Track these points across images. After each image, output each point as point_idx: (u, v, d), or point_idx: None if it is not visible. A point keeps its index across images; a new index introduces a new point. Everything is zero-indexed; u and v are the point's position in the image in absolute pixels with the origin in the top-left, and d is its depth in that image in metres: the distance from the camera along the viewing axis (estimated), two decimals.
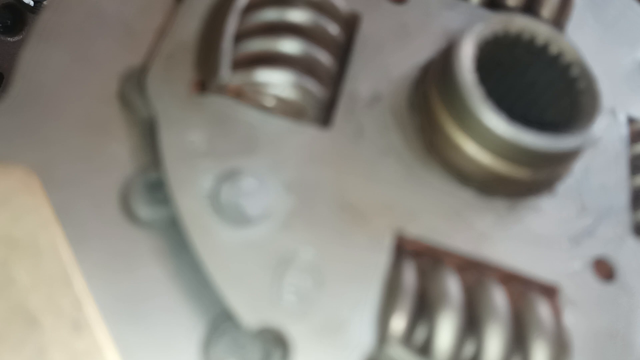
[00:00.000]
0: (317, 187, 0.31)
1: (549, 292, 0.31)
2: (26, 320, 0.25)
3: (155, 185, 0.30)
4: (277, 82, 0.32)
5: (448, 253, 0.31)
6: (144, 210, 0.30)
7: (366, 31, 0.36)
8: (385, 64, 0.35)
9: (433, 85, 0.33)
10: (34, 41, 0.33)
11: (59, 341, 0.25)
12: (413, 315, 0.29)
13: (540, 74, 0.34)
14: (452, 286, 0.29)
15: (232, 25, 0.32)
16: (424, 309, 0.29)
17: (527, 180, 0.32)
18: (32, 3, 0.68)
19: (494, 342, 0.28)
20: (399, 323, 0.28)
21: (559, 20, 0.38)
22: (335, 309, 0.28)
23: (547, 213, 0.33)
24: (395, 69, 0.35)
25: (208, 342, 0.28)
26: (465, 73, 0.31)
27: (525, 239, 0.32)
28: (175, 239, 0.30)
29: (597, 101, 0.32)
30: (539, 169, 0.32)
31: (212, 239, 0.29)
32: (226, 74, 0.32)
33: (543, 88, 0.35)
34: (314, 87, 0.33)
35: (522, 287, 0.31)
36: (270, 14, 0.33)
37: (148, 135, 0.32)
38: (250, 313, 0.28)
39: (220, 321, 0.29)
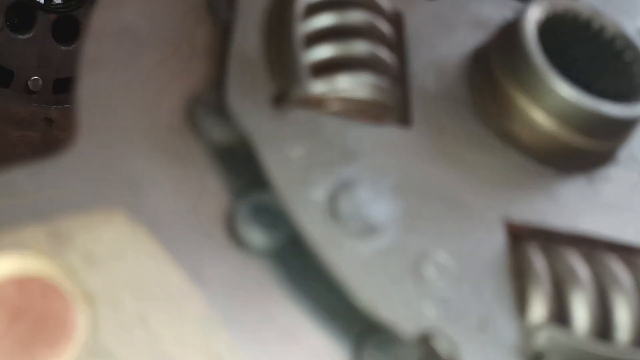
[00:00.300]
0: (422, 186, 0.30)
1: None
2: None
3: (262, 209, 0.28)
4: (358, 85, 0.31)
5: (555, 232, 0.31)
6: (257, 236, 0.28)
7: (411, 28, 0.35)
8: (439, 56, 0.35)
9: (502, 70, 0.33)
10: (84, 77, 0.29)
11: None
12: (552, 298, 0.29)
13: (583, 50, 0.36)
14: (578, 263, 0.30)
15: (299, 33, 0.31)
16: (556, 290, 0.29)
17: (603, 151, 0.34)
18: (42, 0, 0.63)
19: (625, 312, 0.29)
20: (541, 308, 0.28)
21: None
22: (480, 306, 0.28)
23: (618, 181, 0.34)
24: (449, 61, 0.35)
25: None
26: (538, 55, 0.32)
27: (610, 209, 0.33)
28: (291, 262, 0.28)
29: None
30: (613, 139, 0.33)
31: (345, 254, 0.27)
32: (309, 84, 0.30)
33: (585, 64, 0.36)
34: (391, 87, 0.32)
35: (627, 255, 0.32)
36: (330, 18, 0.32)
37: (229, 158, 0.30)
38: (406, 322, 0.26)
39: (363, 340, 0.27)
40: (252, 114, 0.29)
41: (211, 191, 0.29)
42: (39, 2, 0.66)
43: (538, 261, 0.29)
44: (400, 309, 0.27)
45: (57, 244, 0.24)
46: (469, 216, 0.30)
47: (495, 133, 0.33)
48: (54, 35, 0.70)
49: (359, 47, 0.31)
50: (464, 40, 0.36)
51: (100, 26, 0.31)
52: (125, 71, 0.30)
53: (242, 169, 0.29)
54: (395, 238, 0.28)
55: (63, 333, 0.23)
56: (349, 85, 0.30)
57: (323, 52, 0.31)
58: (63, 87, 0.72)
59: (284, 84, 0.30)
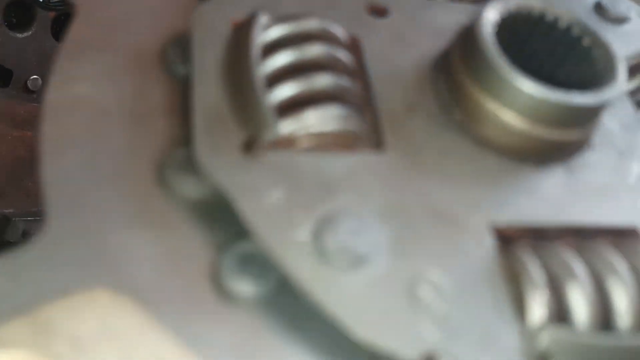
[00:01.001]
0: (405, 206, 0.30)
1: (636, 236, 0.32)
2: None
3: (246, 258, 0.28)
4: (326, 118, 0.31)
5: (542, 228, 0.31)
6: (245, 287, 0.28)
7: (369, 50, 0.35)
8: (401, 73, 0.35)
9: (465, 75, 0.33)
10: (46, 159, 0.29)
11: None
12: (550, 297, 0.28)
13: (542, 43, 0.36)
14: (570, 257, 0.30)
15: (260, 75, 0.31)
16: (552, 288, 0.29)
17: (577, 140, 0.34)
18: None
19: (624, 298, 0.29)
20: (540, 309, 0.28)
21: None
22: (480, 318, 0.28)
23: (596, 165, 0.35)
24: (411, 75, 0.35)
25: None
26: (497, 56, 0.32)
27: (593, 195, 0.33)
28: (284, 307, 0.28)
29: (611, 50, 0.34)
30: (585, 127, 0.34)
31: (336, 290, 0.27)
32: (277, 126, 0.30)
33: (546, 56, 0.36)
34: (359, 114, 0.32)
35: (617, 239, 0.32)
36: (288, 56, 0.32)
37: (206, 212, 0.30)
38: (407, 349, 0.26)
39: None
40: (223, 166, 0.29)
41: (193, 249, 0.29)
42: (37, 0, 0.65)
43: (530, 262, 0.29)
44: (399, 336, 0.27)
45: (41, 335, 0.24)
46: (456, 228, 0.30)
47: (469, 139, 0.33)
48: (53, 33, 0.70)
49: (322, 80, 0.31)
50: (423, 51, 0.36)
51: (55, 103, 0.30)
52: (88, 146, 0.30)
53: (222, 221, 0.29)
54: (386, 265, 0.28)
55: None
56: (317, 119, 0.30)
57: (286, 90, 0.31)
58: None
59: (253, 129, 0.30)
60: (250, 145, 0.30)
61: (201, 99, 0.31)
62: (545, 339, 0.27)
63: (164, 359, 0.25)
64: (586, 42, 0.35)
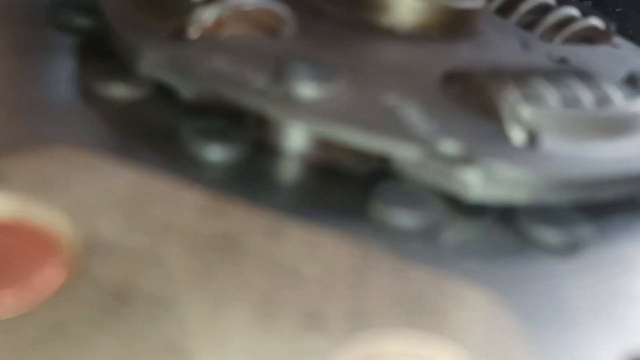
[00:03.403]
0: (351, 65, 0.30)
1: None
2: None
3: (207, 128, 0.26)
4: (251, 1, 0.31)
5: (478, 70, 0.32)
6: (212, 151, 0.25)
7: None
8: None
9: None
10: None
11: None
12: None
13: None
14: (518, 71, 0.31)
15: None
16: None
17: (471, 9, 0.36)
18: None
19: (578, 91, 0.30)
20: (514, 95, 0.28)
21: None
22: (460, 121, 0.28)
23: (492, 40, 0.37)
24: None
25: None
26: None
27: (498, 55, 0.36)
28: (249, 173, 0.26)
29: None
30: None
31: (316, 116, 0.26)
32: (203, 11, 0.29)
33: None
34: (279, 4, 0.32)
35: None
36: None
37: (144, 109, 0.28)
38: (410, 149, 0.25)
39: (371, 197, 0.25)
40: (157, 50, 0.28)
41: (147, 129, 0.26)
42: None
43: (485, 74, 0.30)
44: (398, 142, 0.25)
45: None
46: (402, 76, 0.31)
47: (379, 31, 0.35)
48: None
49: None
50: None
51: None
52: None
53: (164, 109, 0.27)
54: (354, 92, 0.27)
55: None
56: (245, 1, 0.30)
57: None
58: None
59: (178, 19, 0.29)
60: (179, 33, 0.29)
61: (114, 10, 0.30)
62: (526, 114, 0.27)
63: (152, 191, 0.21)
64: None
